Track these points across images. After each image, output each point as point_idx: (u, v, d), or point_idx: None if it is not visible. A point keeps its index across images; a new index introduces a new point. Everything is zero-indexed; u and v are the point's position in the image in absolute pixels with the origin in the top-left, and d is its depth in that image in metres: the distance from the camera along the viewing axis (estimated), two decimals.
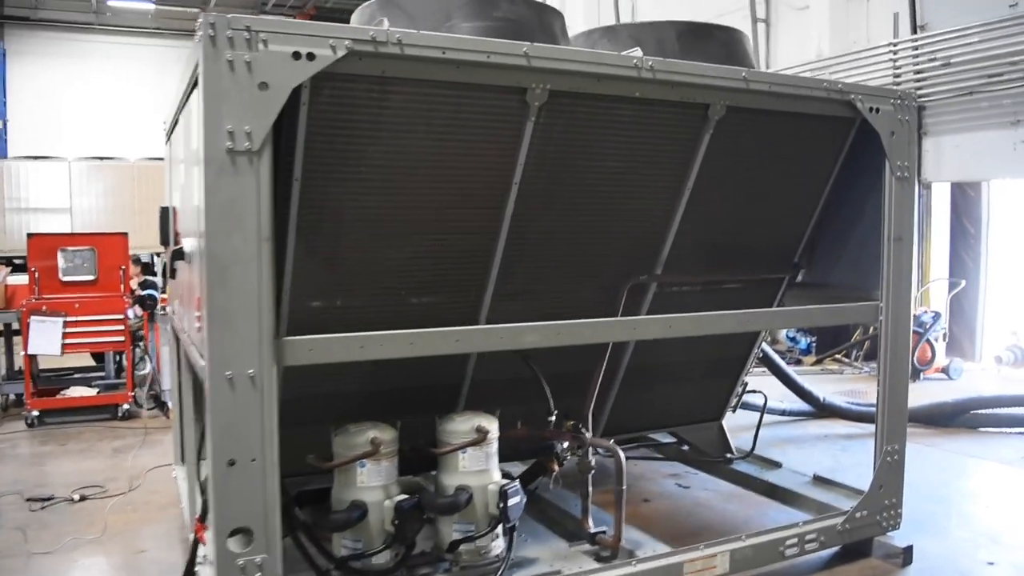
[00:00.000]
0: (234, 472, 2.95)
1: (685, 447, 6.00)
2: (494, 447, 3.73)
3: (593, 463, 4.11)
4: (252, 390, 2.95)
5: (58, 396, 8.00)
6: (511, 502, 3.61)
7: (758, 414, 5.68)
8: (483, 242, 3.80)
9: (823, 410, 7.50)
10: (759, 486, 5.30)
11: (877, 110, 4.12)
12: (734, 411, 5.69)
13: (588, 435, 4.04)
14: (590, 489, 4.17)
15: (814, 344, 10.88)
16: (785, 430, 7.49)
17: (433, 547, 3.77)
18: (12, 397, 8.35)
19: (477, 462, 3.66)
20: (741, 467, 5.57)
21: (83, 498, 5.67)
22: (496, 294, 3.99)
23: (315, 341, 3.12)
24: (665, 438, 6.22)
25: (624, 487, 3.89)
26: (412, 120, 3.32)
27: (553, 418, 4.19)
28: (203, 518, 3.72)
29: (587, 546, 4.07)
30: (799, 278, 4.96)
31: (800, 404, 7.58)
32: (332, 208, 3.43)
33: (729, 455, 5.65)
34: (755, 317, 4.11)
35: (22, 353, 7.79)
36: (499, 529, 3.72)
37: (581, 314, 3.92)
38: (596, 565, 3.83)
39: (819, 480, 5.09)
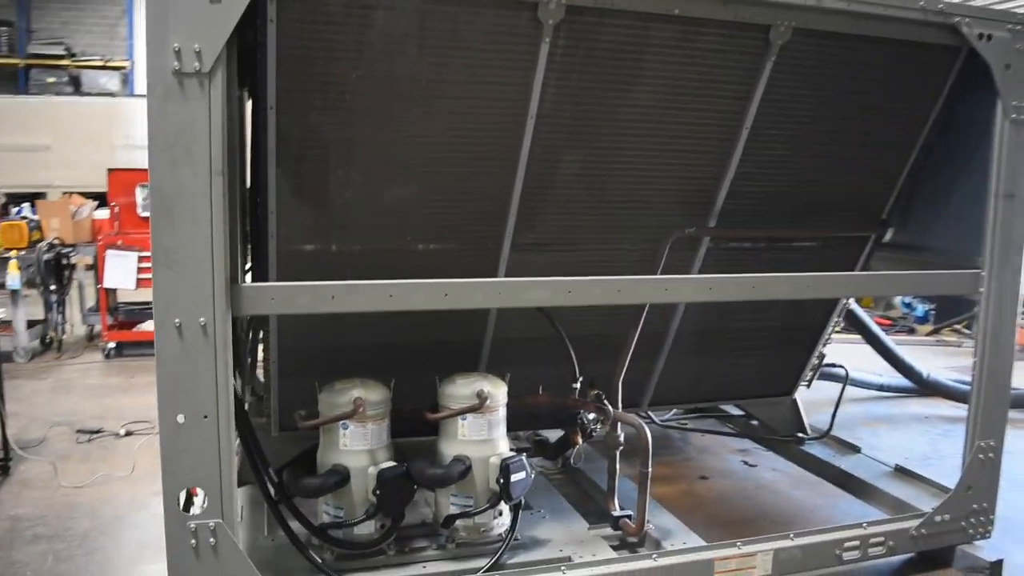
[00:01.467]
0: (184, 429, 2.67)
1: (754, 422, 5.42)
2: (499, 415, 3.32)
3: (621, 438, 3.63)
4: (203, 340, 2.64)
5: (134, 329, 8.13)
6: (514, 478, 3.21)
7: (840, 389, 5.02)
8: (496, 184, 3.34)
9: (926, 387, 6.68)
10: (831, 472, 4.68)
11: (988, 37, 3.36)
12: (808, 385, 5.04)
13: (612, 408, 3.56)
14: (617, 467, 3.70)
15: (932, 312, 9.85)
16: (881, 407, 6.73)
17: (433, 520, 3.44)
18: (96, 328, 8.56)
19: (478, 430, 3.26)
20: (814, 449, 4.94)
21: (128, 433, 5.66)
22: (516, 245, 3.54)
23: (278, 289, 2.78)
24: (736, 410, 5.67)
25: (649, 469, 3.40)
26: (401, 41, 2.88)
27: (578, 385, 3.74)
28: None
29: (609, 530, 3.63)
30: (888, 237, 4.25)
31: (901, 379, 6.79)
32: (315, 141, 3.05)
33: (801, 434, 5.04)
34: (819, 283, 3.48)
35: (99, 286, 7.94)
36: (503, 506, 3.33)
37: (617, 271, 3.43)
38: (611, 555, 3.39)
39: (901, 471, 4.43)
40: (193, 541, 2.73)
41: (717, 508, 4.59)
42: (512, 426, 3.58)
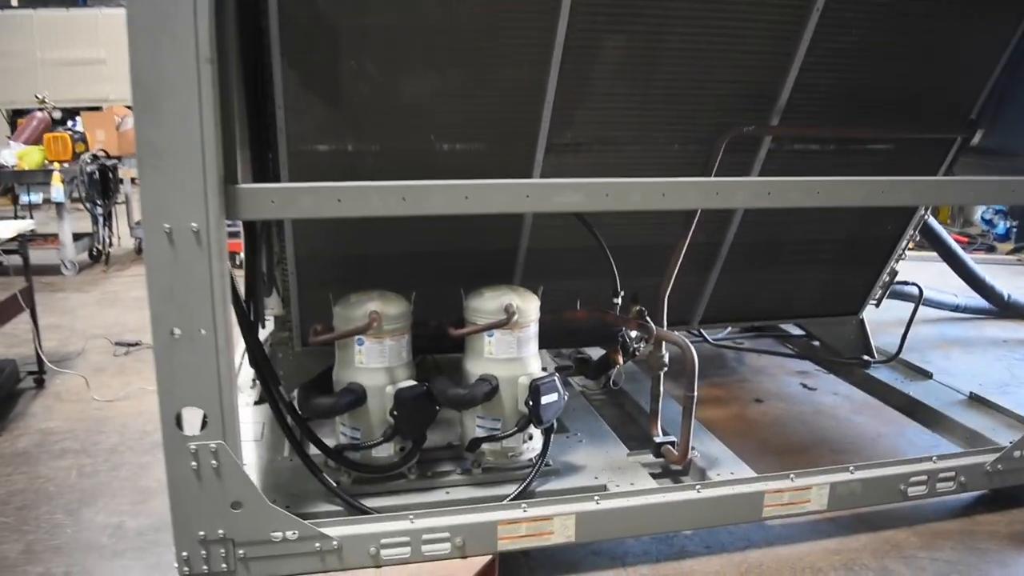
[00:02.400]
0: (179, 345, 2.45)
1: (816, 343, 5.05)
2: (530, 331, 3.03)
3: (666, 359, 3.33)
4: (197, 248, 2.39)
5: None
6: (544, 400, 2.94)
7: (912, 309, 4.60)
8: (528, 76, 2.98)
9: (1006, 309, 6.18)
10: (898, 399, 4.32)
11: None
12: (878, 305, 4.63)
13: (656, 325, 3.24)
14: (661, 389, 3.41)
15: (1014, 229, 9.17)
16: (955, 330, 6.26)
17: (459, 442, 3.22)
18: None
19: (506, 348, 2.98)
20: (881, 373, 4.58)
21: None
22: (551, 146, 3.19)
23: (278, 191, 2.49)
24: (797, 329, 5.30)
25: (695, 393, 3.09)
26: None
27: (619, 300, 3.42)
28: None
29: (650, 457, 3.36)
30: (976, 140, 3.76)
31: (978, 300, 6.29)
32: (322, 27, 2.72)
33: (867, 357, 4.66)
34: (896, 188, 3.04)
35: None
36: (534, 429, 3.07)
37: (664, 175, 3.05)
38: (650, 484, 3.12)
39: (976, 400, 4.04)
40: (194, 463, 2.54)
41: (771, 434, 4.29)
42: (546, 344, 3.30)
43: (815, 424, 4.43)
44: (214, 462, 2.55)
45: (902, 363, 4.60)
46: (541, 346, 3.16)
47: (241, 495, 2.62)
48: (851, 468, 3.20)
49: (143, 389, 4.78)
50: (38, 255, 7.92)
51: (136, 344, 5.60)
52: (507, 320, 2.90)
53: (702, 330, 4.75)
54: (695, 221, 3.26)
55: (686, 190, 2.76)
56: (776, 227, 3.94)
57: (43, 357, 4.85)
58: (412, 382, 2.93)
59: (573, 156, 3.25)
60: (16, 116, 12.89)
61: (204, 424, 2.52)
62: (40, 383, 4.86)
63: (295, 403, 2.92)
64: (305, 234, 3.28)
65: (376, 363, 2.90)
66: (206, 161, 2.34)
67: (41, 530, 3.30)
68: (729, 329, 5.27)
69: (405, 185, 2.52)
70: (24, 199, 8.23)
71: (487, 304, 2.99)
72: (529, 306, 3.01)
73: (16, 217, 8.21)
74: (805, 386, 4.99)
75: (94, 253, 8.34)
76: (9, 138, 9.53)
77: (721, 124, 3.29)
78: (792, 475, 3.13)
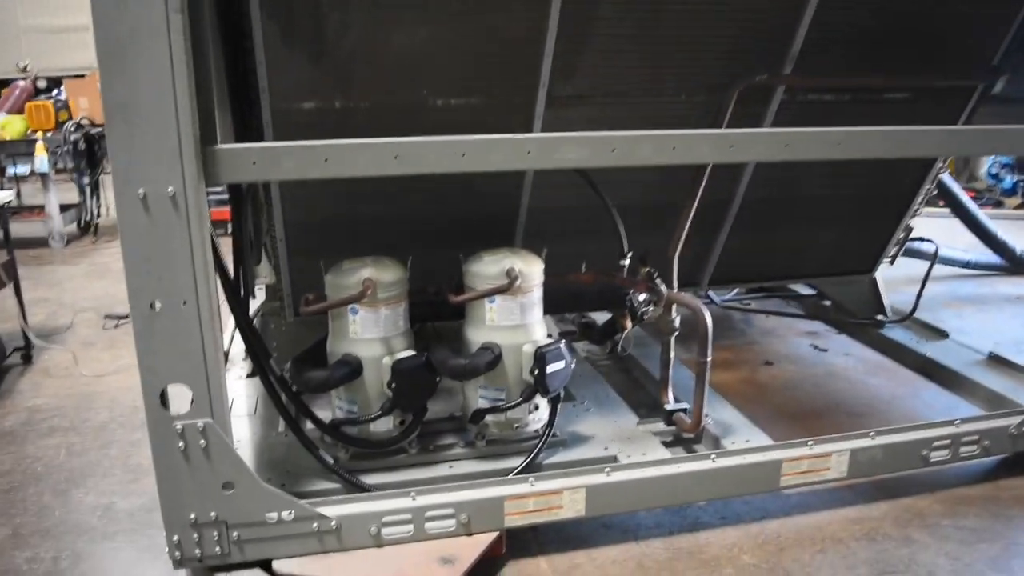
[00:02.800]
0: (160, 318, 2.29)
1: (827, 302, 4.90)
2: (533, 296, 2.87)
3: (676, 322, 3.18)
4: (174, 214, 2.22)
5: None
6: (550, 368, 2.79)
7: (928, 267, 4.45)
8: (526, 22, 2.78)
9: (1018, 265, 6.01)
10: (914, 360, 4.19)
11: None
12: (892, 262, 4.47)
13: (666, 287, 3.07)
14: (672, 354, 3.27)
15: (1022, 184, 8.97)
16: (967, 287, 6.11)
17: (462, 414, 3.08)
18: None
19: (508, 314, 2.83)
20: (895, 333, 4.45)
21: None
22: (552, 99, 3.00)
23: (260, 151, 2.31)
24: (806, 289, 5.15)
25: (708, 358, 2.95)
26: None
27: (627, 262, 3.26)
28: None
29: (661, 425, 3.22)
30: (998, 88, 3.57)
31: (990, 256, 6.13)
32: None
33: (881, 317, 4.52)
34: (920, 138, 2.86)
35: None
36: (539, 399, 2.93)
37: (672, 127, 2.87)
38: (663, 454, 2.99)
39: (996, 360, 3.90)
40: (181, 443, 2.40)
41: (783, 398, 4.15)
42: (551, 309, 3.15)
43: (828, 387, 4.29)
44: (202, 441, 2.41)
45: (917, 322, 4.46)
46: (545, 311, 3.01)
47: (232, 475, 2.48)
48: (872, 434, 3.06)
49: (133, 363, 4.60)
50: (25, 228, 7.79)
51: (126, 317, 5.41)
52: (509, 285, 2.74)
53: (709, 292, 4.59)
54: (706, 177, 3.08)
55: (698, 143, 2.58)
56: (789, 183, 3.76)
57: (28, 332, 4.69)
58: (410, 352, 2.78)
59: (576, 109, 3.06)
60: None
61: (191, 403, 2.37)
62: (28, 359, 4.71)
63: (287, 377, 2.76)
64: (293, 198, 3.10)
65: (372, 333, 2.75)
66: (180, 120, 2.16)
67: (29, 512, 3.17)
68: (736, 290, 5.11)
69: (397, 142, 2.34)
70: (10, 171, 8.00)
71: (487, 268, 2.83)
72: (532, 269, 2.85)
73: (1, 189, 7.99)
74: (816, 347, 4.85)
75: (82, 224, 8.15)
76: None
77: (732, 73, 3.10)
78: (811, 442, 2.99)
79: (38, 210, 7.93)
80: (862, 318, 4.58)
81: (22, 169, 7.87)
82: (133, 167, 2.17)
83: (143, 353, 2.32)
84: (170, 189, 2.20)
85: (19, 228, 4.79)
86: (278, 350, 3.72)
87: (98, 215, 8.22)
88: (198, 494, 2.47)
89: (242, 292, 3.54)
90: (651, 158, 2.53)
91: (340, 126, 2.89)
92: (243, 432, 3.12)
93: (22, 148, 7.49)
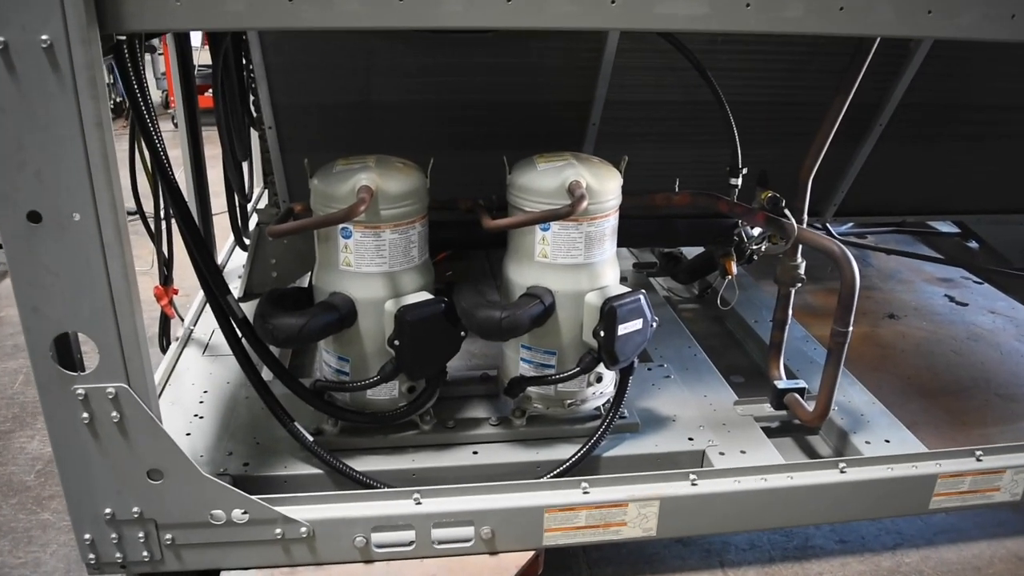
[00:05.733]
0: (41, 237, 1.51)
1: (973, 243, 3.90)
2: (606, 225, 2.00)
3: (802, 270, 2.29)
4: (53, 76, 1.41)
5: (208, 94, 7.10)
6: (622, 329, 1.95)
7: None
8: None
9: None
10: None
11: None
12: None
13: (795, 221, 2.16)
14: (790, 313, 2.39)
15: None
16: None
17: (497, 379, 2.28)
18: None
19: (568, 249, 1.97)
20: None
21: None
22: None
23: None
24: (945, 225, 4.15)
25: (849, 329, 2.05)
26: None
27: (739, 180, 2.35)
28: (164, 279, 2.45)
29: (769, 408, 2.37)
30: None
31: None
32: None
33: None
34: None
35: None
36: (604, 370, 2.10)
37: None
38: (771, 455, 2.16)
39: None
40: (85, 415, 1.67)
41: (914, 367, 3.24)
42: (629, 242, 2.33)
43: (972, 355, 3.36)
44: (114, 414, 1.67)
45: None
46: (622, 244, 2.16)
47: (160, 460, 1.75)
48: None
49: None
50: None
51: (132, 214, 4.74)
52: (572, 208, 1.86)
53: (828, 224, 3.65)
54: (866, 63, 2.12)
55: (878, 3, 1.62)
56: (959, 83, 2.76)
57: None
58: (425, 295, 1.96)
59: None
60: None
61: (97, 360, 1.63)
62: None
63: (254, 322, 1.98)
64: (284, 69, 2.27)
65: (370, 265, 1.93)
66: None
67: None
68: (851, 224, 4.14)
69: None
70: None
71: (541, 181, 1.96)
72: (605, 186, 1.97)
73: None
74: (952, 299, 3.89)
75: (111, 107, 7.47)
76: None
77: None
78: (979, 453, 2.12)
79: None
80: (1020, 267, 3.59)
81: None
82: None
83: (21, 288, 1.56)
84: (44, 37, 1.38)
85: None
86: (278, 270, 2.97)
87: None
88: (114, 483, 1.75)
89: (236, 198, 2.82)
90: (805, 23, 1.60)
91: None
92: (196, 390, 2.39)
93: None
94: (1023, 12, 1.67)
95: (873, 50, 2.10)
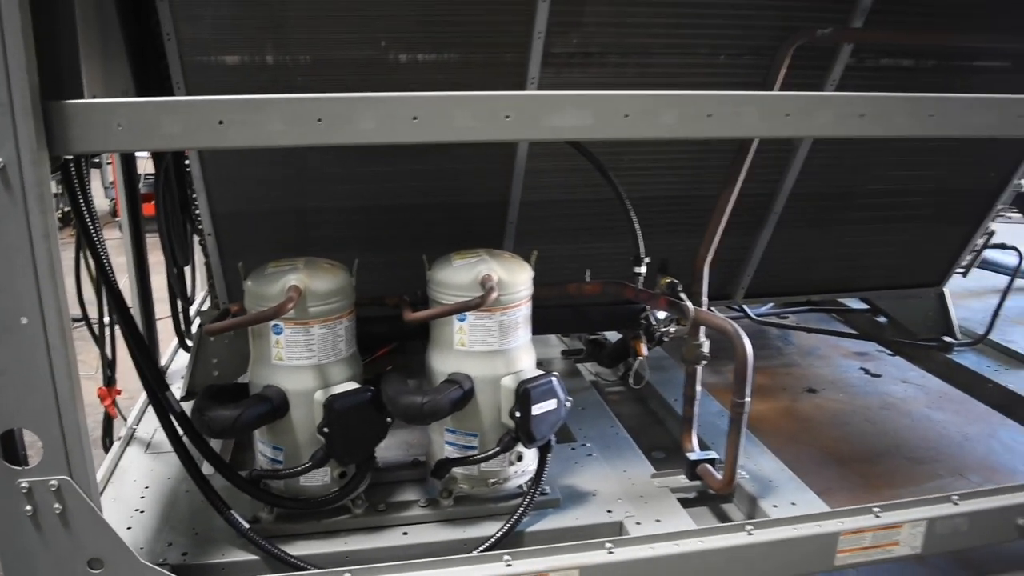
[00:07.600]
0: None
1: (881, 319, 4.18)
2: (518, 314, 2.19)
3: (705, 349, 2.49)
4: (6, 195, 1.58)
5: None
6: (536, 410, 2.11)
7: (1006, 281, 3.74)
8: None
9: None
10: (989, 392, 3.48)
11: None
12: (966, 274, 3.75)
13: (693, 304, 2.37)
14: (698, 388, 2.58)
15: None
16: None
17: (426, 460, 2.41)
18: None
19: (483, 337, 2.15)
20: (965, 358, 3.73)
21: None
22: (551, 56, 2.33)
23: (129, 110, 1.63)
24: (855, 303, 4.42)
25: (746, 399, 2.25)
26: None
27: (643, 269, 2.58)
28: (108, 380, 2.56)
29: (683, 479, 2.53)
30: None
31: None
32: None
33: (948, 338, 3.80)
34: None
35: None
36: (523, 449, 2.25)
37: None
38: (684, 522, 2.31)
39: None
40: (28, 507, 1.76)
41: (830, 436, 3.44)
42: (544, 329, 2.51)
43: (884, 423, 3.57)
44: (57, 505, 1.77)
45: (992, 345, 3.74)
46: (538, 332, 2.34)
47: (100, 549, 1.84)
48: (954, 498, 2.35)
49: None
50: None
51: (79, 321, 4.82)
52: (483, 299, 2.06)
53: (743, 305, 3.90)
54: (749, 160, 2.39)
55: (744, 109, 1.88)
56: (848, 173, 3.06)
57: None
58: (352, 384, 2.12)
59: (580, 70, 2.39)
60: None
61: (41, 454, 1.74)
62: None
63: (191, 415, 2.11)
64: (221, 180, 2.46)
65: (300, 359, 2.08)
66: (8, 61, 1.51)
67: None
68: (771, 303, 4.40)
69: (322, 98, 1.67)
70: None
71: (456, 276, 2.15)
72: (516, 278, 2.17)
73: None
74: (867, 372, 4.12)
75: (60, 216, 7.58)
76: None
77: (786, 28, 2.41)
78: (876, 509, 2.29)
79: None
80: (926, 339, 3.86)
81: None
82: None
83: None
84: None
85: None
86: (219, 369, 3.09)
87: None
88: (55, 573, 1.83)
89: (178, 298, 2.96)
90: (678, 128, 1.85)
91: (273, 86, 2.24)
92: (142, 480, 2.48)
93: None
94: (871, 111, 1.94)
95: (753, 149, 2.37)
